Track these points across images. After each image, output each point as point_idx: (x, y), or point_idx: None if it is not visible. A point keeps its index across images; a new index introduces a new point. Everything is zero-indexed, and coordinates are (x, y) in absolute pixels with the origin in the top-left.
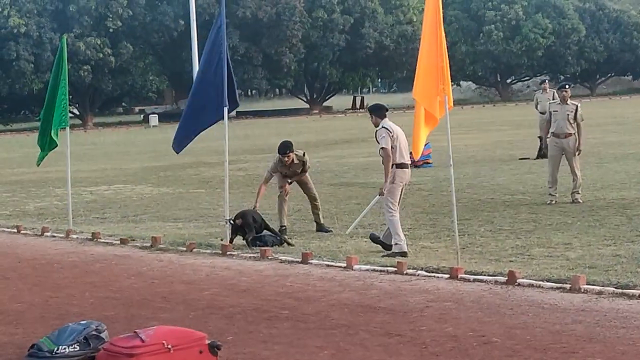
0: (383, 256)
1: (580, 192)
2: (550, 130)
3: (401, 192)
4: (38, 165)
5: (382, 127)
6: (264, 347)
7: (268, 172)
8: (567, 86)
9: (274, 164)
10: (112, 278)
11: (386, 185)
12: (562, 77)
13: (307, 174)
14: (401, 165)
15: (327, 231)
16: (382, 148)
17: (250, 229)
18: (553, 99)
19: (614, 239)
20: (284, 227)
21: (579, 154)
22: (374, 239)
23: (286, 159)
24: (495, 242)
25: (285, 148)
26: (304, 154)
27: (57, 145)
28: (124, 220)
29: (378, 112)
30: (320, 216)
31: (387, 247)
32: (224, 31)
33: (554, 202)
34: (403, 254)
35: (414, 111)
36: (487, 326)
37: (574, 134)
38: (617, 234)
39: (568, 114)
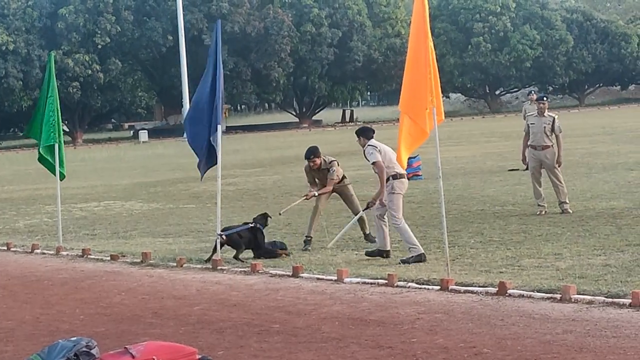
0: (401, 260)
1: (568, 201)
2: (529, 143)
3: (402, 201)
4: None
5: (368, 145)
6: None
7: (306, 173)
8: (544, 98)
9: (305, 167)
10: (102, 294)
11: (382, 196)
12: (550, 88)
13: (350, 187)
14: (396, 176)
15: (373, 241)
16: (374, 163)
17: (238, 246)
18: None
19: (603, 249)
20: (309, 238)
21: (559, 166)
22: (370, 254)
23: (312, 164)
24: (486, 254)
25: (309, 153)
26: (330, 162)
27: (53, 165)
28: (114, 237)
29: (365, 133)
30: (367, 226)
31: (382, 253)
32: (219, 53)
33: (543, 212)
34: (421, 258)
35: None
36: (478, 337)
37: (552, 146)
38: (607, 244)
39: (545, 126)
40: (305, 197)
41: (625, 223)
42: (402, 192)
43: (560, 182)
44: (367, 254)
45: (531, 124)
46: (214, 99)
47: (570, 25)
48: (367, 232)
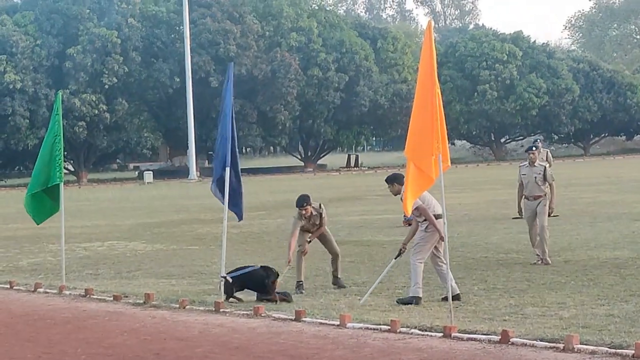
0: (397, 300)
1: (540, 255)
2: (523, 194)
3: (439, 242)
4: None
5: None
6: None
7: (293, 226)
8: (533, 148)
9: (295, 219)
10: (104, 334)
11: (439, 230)
12: (555, 137)
13: (327, 229)
14: (437, 217)
15: (342, 286)
16: (416, 208)
17: (228, 289)
18: (546, 159)
19: (607, 299)
20: (300, 283)
21: (551, 213)
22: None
23: (304, 211)
24: (489, 301)
25: (302, 201)
26: (320, 206)
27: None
28: (117, 277)
29: (399, 180)
30: (339, 270)
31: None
32: (229, 96)
33: (539, 262)
34: (418, 301)
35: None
36: None
37: (544, 195)
38: (611, 294)
39: (536, 176)
40: (304, 254)
41: (629, 273)
42: (435, 233)
43: (545, 237)
44: (444, 299)
45: (522, 174)
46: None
47: (577, 75)
48: (339, 275)
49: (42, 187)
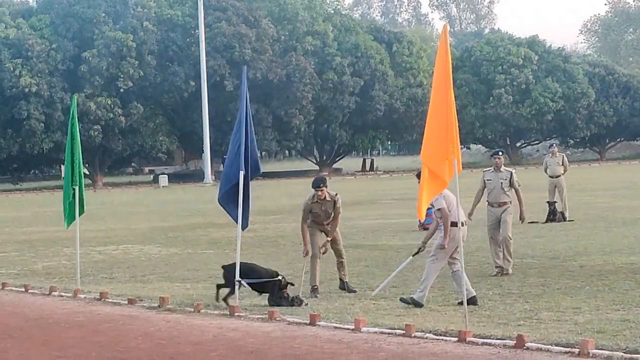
0: (400, 299)
1: (504, 266)
2: (487, 200)
3: (455, 248)
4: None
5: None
6: None
7: (303, 210)
8: (500, 153)
9: (306, 201)
10: (119, 338)
11: (445, 240)
12: (571, 142)
13: (338, 231)
14: (454, 224)
15: (351, 291)
16: (439, 209)
17: (230, 286)
18: (562, 163)
19: (622, 304)
20: (315, 287)
21: (522, 222)
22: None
23: (319, 192)
24: (504, 306)
25: (319, 181)
26: (336, 194)
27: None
28: (132, 280)
29: None
30: (346, 274)
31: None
32: (243, 101)
33: (499, 273)
34: (418, 305)
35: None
36: None
37: (510, 202)
38: (626, 299)
39: (502, 182)
40: (324, 251)
41: None
42: (455, 238)
43: (509, 247)
44: (460, 303)
45: (487, 179)
46: (246, 142)
47: (592, 79)
48: (346, 279)
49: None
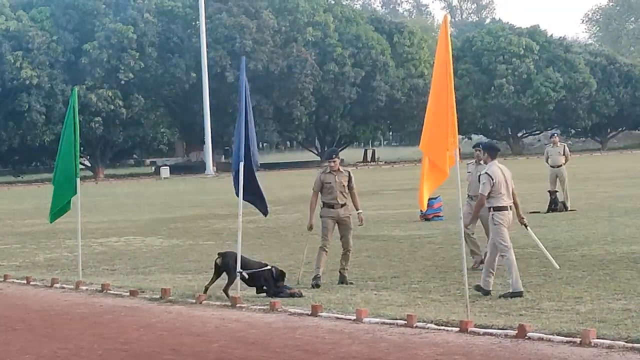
0: (500, 296)
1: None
2: (467, 193)
3: (507, 223)
4: (51, 222)
5: (486, 172)
6: None
7: (315, 183)
8: (480, 145)
9: (320, 174)
10: (121, 330)
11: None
12: (573, 131)
13: (350, 219)
14: (499, 209)
15: (348, 283)
16: (480, 194)
17: (230, 273)
18: (563, 153)
19: (624, 293)
20: (318, 276)
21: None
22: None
23: (332, 163)
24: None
25: (332, 152)
26: (349, 171)
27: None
28: (134, 272)
29: (491, 151)
30: (347, 268)
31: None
32: (242, 92)
33: (477, 267)
34: (519, 294)
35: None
36: None
37: None
38: (628, 288)
39: (480, 176)
40: (360, 223)
41: None
42: (504, 223)
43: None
44: (501, 296)
45: (468, 172)
46: (247, 134)
47: (594, 69)
48: (346, 273)
49: (63, 182)
